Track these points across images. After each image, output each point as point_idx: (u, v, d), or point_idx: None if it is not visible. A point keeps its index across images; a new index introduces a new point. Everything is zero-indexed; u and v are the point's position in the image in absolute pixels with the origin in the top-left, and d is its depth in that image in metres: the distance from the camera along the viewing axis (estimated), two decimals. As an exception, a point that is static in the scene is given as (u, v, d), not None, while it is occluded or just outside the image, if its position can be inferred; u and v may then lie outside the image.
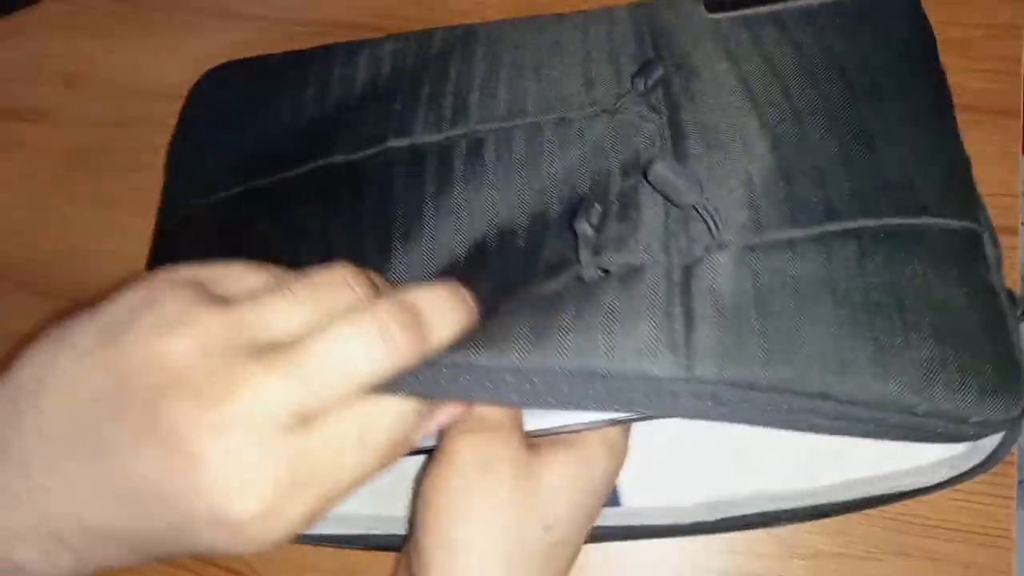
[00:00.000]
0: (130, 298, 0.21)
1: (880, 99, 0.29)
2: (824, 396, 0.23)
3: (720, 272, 0.25)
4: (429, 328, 0.22)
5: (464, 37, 0.35)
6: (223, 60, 0.39)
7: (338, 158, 0.33)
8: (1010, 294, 0.27)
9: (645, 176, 0.26)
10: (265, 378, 0.19)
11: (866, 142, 0.28)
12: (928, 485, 0.29)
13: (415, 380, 0.22)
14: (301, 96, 0.35)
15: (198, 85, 0.39)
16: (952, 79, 0.35)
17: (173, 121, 0.41)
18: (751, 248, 0.25)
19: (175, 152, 0.37)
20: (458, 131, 0.31)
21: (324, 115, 0.35)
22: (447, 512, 0.24)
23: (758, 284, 0.24)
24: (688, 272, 0.25)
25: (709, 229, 0.25)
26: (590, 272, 0.25)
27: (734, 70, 0.30)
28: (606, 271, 0.25)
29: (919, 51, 0.31)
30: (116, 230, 0.39)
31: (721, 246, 0.25)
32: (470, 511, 0.24)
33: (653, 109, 0.30)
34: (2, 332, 0.38)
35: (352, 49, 0.36)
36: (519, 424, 0.26)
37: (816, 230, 0.26)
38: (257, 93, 0.36)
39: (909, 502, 0.30)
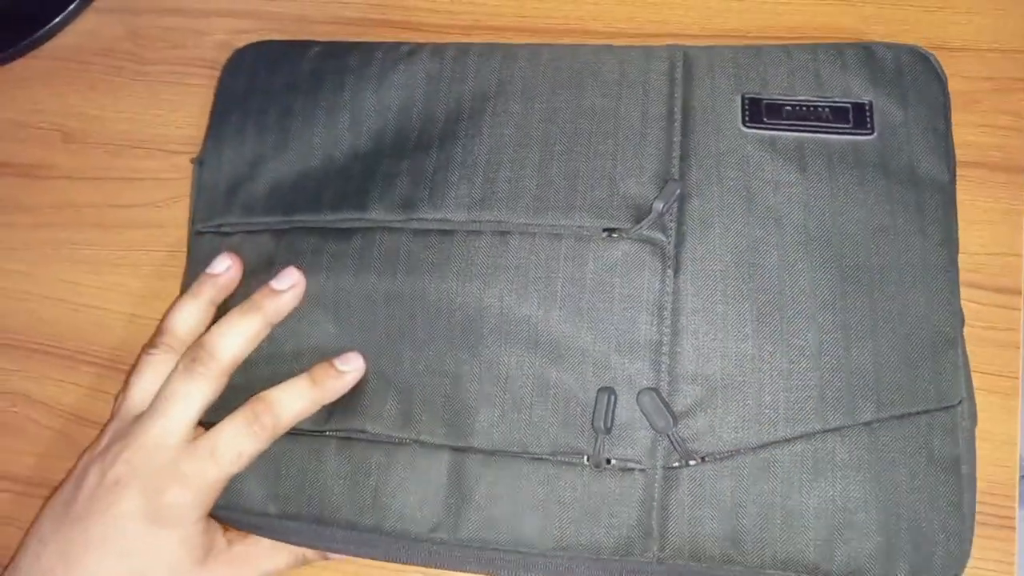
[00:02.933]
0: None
1: (872, 286, 0.31)
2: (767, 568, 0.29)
3: (685, 481, 0.30)
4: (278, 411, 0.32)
5: (500, 77, 0.35)
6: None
7: (374, 215, 0.34)
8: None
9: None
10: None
11: (845, 340, 0.30)
12: None
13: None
14: (337, 119, 0.36)
15: (232, 65, 0.39)
16: (958, 135, 0.35)
17: (175, 176, 0.41)
18: (713, 460, 0.30)
19: (211, 149, 0.38)
20: (486, 216, 0.33)
21: (358, 150, 0.36)
22: None
23: (718, 495, 0.29)
24: (667, 476, 0.30)
25: (676, 450, 0.30)
26: (598, 460, 0.30)
27: (747, 228, 0.31)
28: (608, 460, 0.30)
29: (937, 196, 0.32)
30: (121, 291, 0.39)
31: (690, 459, 0.30)
32: None
33: (663, 230, 0.32)
34: (10, 394, 0.39)
35: (387, 65, 0.37)
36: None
37: (766, 439, 0.29)
38: (293, 102, 0.37)
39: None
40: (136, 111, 0.43)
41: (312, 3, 0.44)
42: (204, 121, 0.40)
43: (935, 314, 0.30)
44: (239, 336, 0.33)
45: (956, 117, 0.36)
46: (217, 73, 0.43)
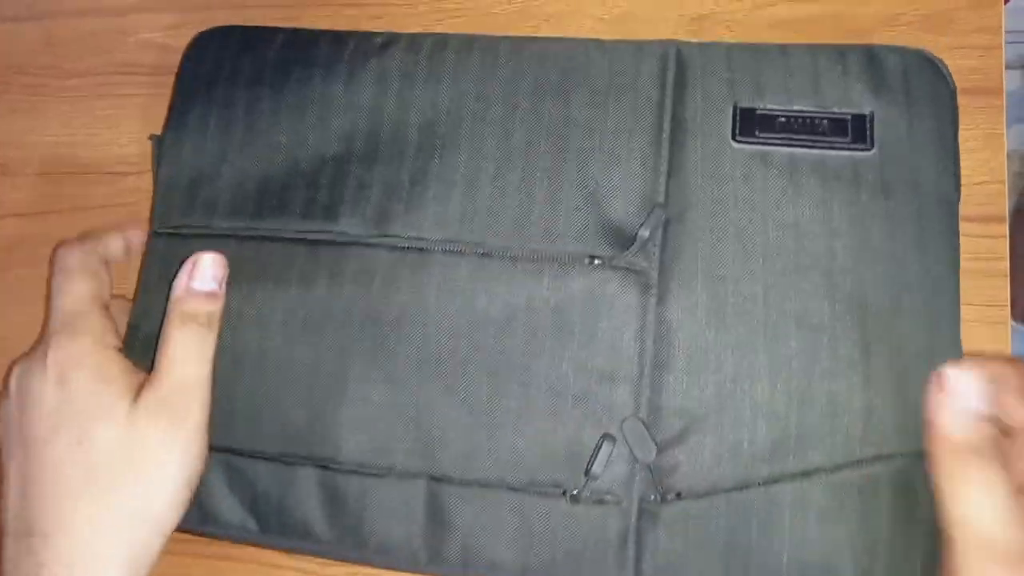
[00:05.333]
0: None
1: (865, 318, 0.29)
2: None
3: (662, 517, 0.29)
4: None
5: (480, 77, 0.33)
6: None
7: (344, 227, 0.33)
8: None
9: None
10: None
11: (832, 377, 0.29)
12: None
13: None
14: (304, 116, 0.34)
15: (193, 52, 0.37)
16: (937, 61, 0.34)
17: (129, 200, 0.39)
18: (691, 496, 0.29)
19: (171, 142, 0.35)
20: (466, 237, 0.32)
21: (327, 153, 0.34)
22: None
23: (694, 533, 0.29)
24: (643, 512, 0.30)
25: (654, 484, 0.30)
26: (580, 498, 0.30)
27: (734, 255, 0.30)
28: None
29: (940, 215, 0.30)
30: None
31: (667, 494, 0.29)
32: None
33: (647, 258, 0.31)
34: None
35: (357, 59, 0.34)
36: None
37: (746, 478, 0.29)
38: (259, 95, 0.35)
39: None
40: (70, 132, 0.40)
41: (238, -14, 0.41)
42: (145, 133, 0.38)
43: (933, 349, 0.29)
44: None
45: (931, 40, 0.35)
46: (149, 77, 0.40)
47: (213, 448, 0.31)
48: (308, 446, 0.31)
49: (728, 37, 0.37)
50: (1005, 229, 0.34)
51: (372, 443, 0.31)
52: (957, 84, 0.35)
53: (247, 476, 0.32)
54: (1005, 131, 0.34)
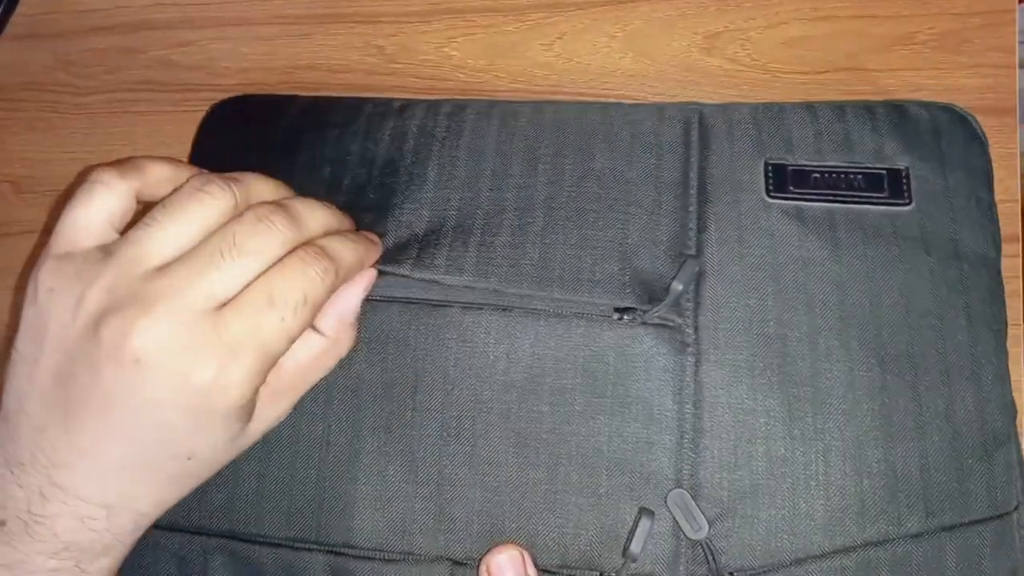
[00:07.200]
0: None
1: (916, 377, 0.28)
2: None
3: None
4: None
5: (499, 136, 0.32)
6: (185, 139, 0.36)
7: None
8: None
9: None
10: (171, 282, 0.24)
11: (887, 440, 0.27)
12: None
13: None
14: (316, 174, 0.33)
15: (208, 124, 0.36)
16: (952, 81, 0.34)
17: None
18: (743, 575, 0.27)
19: None
20: (482, 284, 0.29)
21: (338, 206, 0.31)
22: None
23: None
24: None
25: (708, 562, 0.27)
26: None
27: (774, 311, 0.29)
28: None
29: (982, 274, 0.29)
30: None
31: (719, 574, 0.27)
32: None
33: (680, 313, 0.29)
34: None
35: (375, 120, 0.33)
36: None
37: (802, 552, 0.27)
38: (274, 158, 0.33)
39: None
40: (85, 149, 0.40)
41: (252, 4, 0.41)
42: (158, 153, 0.37)
43: (985, 409, 0.28)
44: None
45: (949, 59, 0.35)
46: (162, 95, 0.40)
47: (215, 534, 0.29)
48: (318, 529, 0.28)
49: (742, 54, 0.37)
50: (1019, 248, 0.34)
51: (388, 524, 0.28)
52: (974, 104, 0.35)
53: (251, 564, 0.29)
54: (1019, 150, 0.34)
